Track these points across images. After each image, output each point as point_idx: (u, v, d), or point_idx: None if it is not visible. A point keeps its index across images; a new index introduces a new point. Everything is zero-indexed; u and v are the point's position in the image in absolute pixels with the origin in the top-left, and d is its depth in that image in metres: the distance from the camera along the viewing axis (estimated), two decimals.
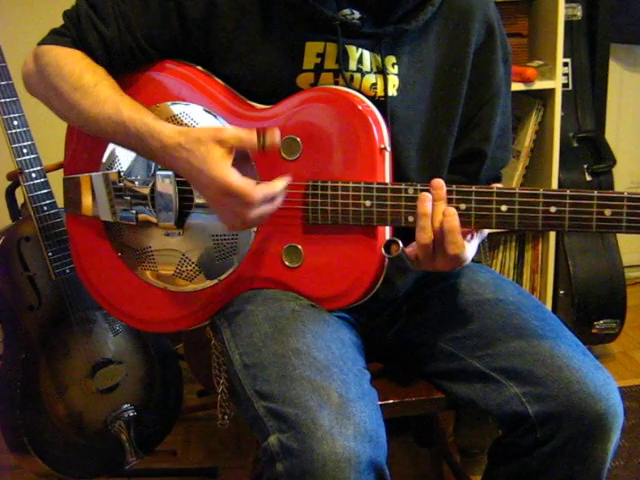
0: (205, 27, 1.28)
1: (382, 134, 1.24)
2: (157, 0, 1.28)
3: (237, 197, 1.16)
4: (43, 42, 1.34)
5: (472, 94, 1.37)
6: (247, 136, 1.19)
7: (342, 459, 1.04)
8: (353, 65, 1.29)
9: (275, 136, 1.20)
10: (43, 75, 1.32)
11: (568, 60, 2.49)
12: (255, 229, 1.29)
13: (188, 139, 1.19)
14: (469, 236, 1.20)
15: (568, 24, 2.38)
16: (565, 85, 2.44)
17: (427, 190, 1.18)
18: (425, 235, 1.17)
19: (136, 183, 1.35)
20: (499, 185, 1.34)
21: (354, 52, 1.28)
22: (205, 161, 1.17)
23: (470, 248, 1.20)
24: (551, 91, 2.27)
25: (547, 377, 1.21)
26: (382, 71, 1.29)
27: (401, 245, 1.18)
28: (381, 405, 1.18)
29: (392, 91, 1.31)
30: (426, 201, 1.17)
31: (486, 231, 1.32)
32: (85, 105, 1.28)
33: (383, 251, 1.19)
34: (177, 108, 1.32)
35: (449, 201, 1.18)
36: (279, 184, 1.20)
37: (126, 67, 1.33)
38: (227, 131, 1.20)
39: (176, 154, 1.20)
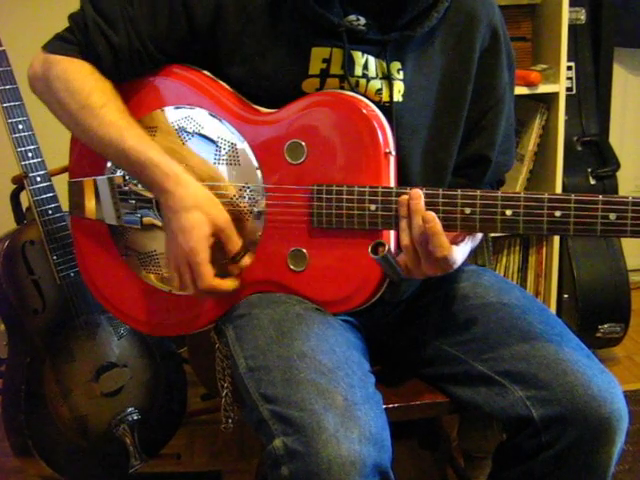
0: (212, 30, 1.28)
1: (387, 138, 1.24)
2: (166, 5, 1.28)
3: (193, 272, 1.24)
4: (48, 48, 1.33)
5: (477, 99, 1.37)
6: (233, 239, 1.26)
7: (347, 462, 1.04)
8: (359, 71, 1.29)
9: (235, 283, 1.29)
10: (50, 87, 1.32)
11: (572, 64, 2.49)
12: (260, 232, 1.29)
13: (186, 198, 1.23)
14: (459, 239, 1.21)
15: (572, 28, 2.38)
16: (569, 89, 2.44)
17: (431, 194, 1.18)
18: (405, 237, 1.19)
19: (140, 186, 1.36)
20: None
21: (359, 58, 1.28)
22: (191, 227, 1.22)
23: (459, 251, 1.20)
24: (555, 95, 2.27)
25: (552, 381, 1.21)
26: (387, 77, 1.30)
27: (387, 247, 1.18)
28: (385, 409, 1.19)
29: (398, 97, 1.31)
30: (404, 205, 1.19)
31: (479, 236, 1.32)
32: (90, 125, 1.28)
33: (370, 251, 1.19)
34: (182, 112, 1.32)
35: (454, 205, 1.18)
36: (229, 285, 1.28)
37: (133, 73, 1.33)
38: (227, 225, 1.25)
39: (169, 202, 1.24)
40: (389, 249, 1.17)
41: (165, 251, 1.30)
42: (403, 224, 1.19)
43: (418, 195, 1.18)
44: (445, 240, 1.16)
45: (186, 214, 1.22)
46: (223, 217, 1.25)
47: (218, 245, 1.26)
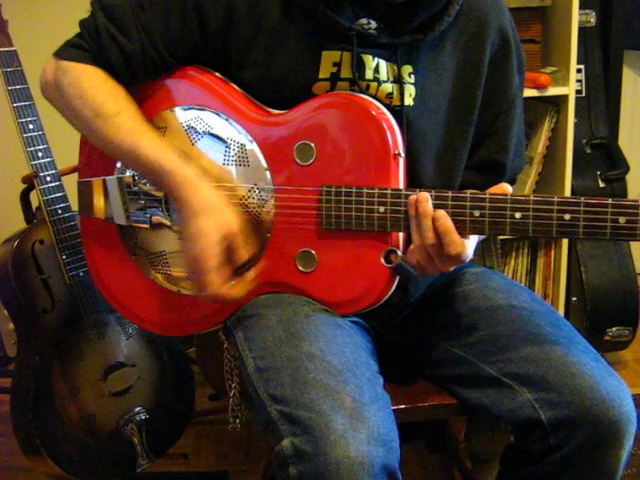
0: (224, 34, 1.28)
1: (396, 140, 1.24)
2: (179, 9, 1.28)
3: (200, 278, 1.23)
4: (60, 55, 1.32)
5: (489, 104, 1.37)
6: (239, 251, 1.25)
7: (355, 463, 1.04)
8: (370, 74, 1.29)
9: (243, 291, 1.27)
10: (63, 94, 1.32)
11: (582, 66, 2.49)
12: (269, 233, 1.29)
13: (197, 204, 1.23)
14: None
15: (582, 30, 2.37)
16: (578, 91, 2.43)
17: (441, 196, 1.19)
18: (417, 237, 1.19)
19: (150, 186, 1.36)
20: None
21: (370, 61, 1.28)
22: (199, 234, 1.22)
23: (470, 245, 1.21)
24: (564, 97, 2.26)
25: (560, 383, 1.21)
26: (399, 80, 1.29)
27: (399, 253, 1.19)
28: (393, 410, 1.19)
29: (409, 100, 1.31)
30: (412, 205, 1.19)
31: None
32: (105, 133, 1.29)
33: (383, 261, 1.20)
34: (192, 113, 1.33)
35: (462, 207, 1.18)
36: (235, 294, 1.27)
37: (147, 77, 1.33)
38: (236, 234, 1.24)
39: (183, 208, 1.24)
40: (402, 256, 1.18)
41: (184, 253, 1.30)
42: (413, 224, 1.20)
43: (425, 198, 1.18)
44: (458, 237, 1.16)
45: (196, 221, 1.22)
46: (233, 224, 1.24)
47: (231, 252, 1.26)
